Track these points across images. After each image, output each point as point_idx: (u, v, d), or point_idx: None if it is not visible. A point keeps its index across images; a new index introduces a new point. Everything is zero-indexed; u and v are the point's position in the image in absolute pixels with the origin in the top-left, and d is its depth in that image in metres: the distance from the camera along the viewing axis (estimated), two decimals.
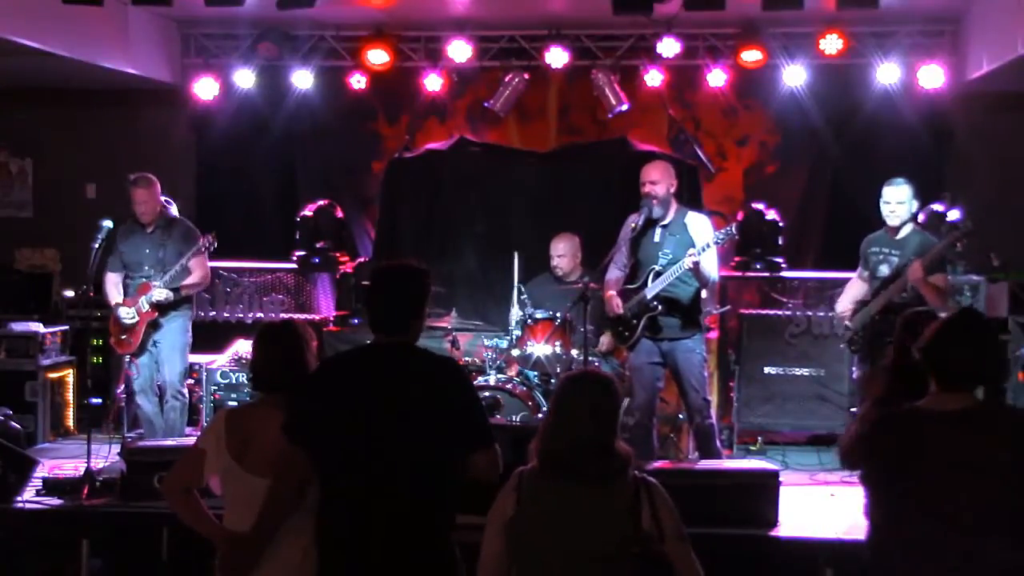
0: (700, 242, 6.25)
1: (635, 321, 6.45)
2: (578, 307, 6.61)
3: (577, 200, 8.70)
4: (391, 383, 3.47)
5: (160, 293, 6.82)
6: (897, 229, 6.32)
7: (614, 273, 6.63)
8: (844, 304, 6.59)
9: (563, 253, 7.49)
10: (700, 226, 6.44)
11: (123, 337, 6.95)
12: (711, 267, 6.33)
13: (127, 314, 6.89)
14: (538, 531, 3.31)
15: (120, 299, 6.98)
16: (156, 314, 6.88)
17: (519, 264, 7.41)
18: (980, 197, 8.14)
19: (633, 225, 6.45)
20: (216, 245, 6.93)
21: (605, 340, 7.16)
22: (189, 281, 6.96)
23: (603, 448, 3.34)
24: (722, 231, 6.27)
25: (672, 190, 6.49)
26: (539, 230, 8.05)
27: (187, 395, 7.16)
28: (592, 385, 3.44)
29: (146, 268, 6.95)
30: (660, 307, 6.34)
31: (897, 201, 6.28)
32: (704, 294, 6.65)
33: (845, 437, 3.89)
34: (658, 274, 6.36)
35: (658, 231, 6.47)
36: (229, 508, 3.68)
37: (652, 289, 6.36)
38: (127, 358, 7.01)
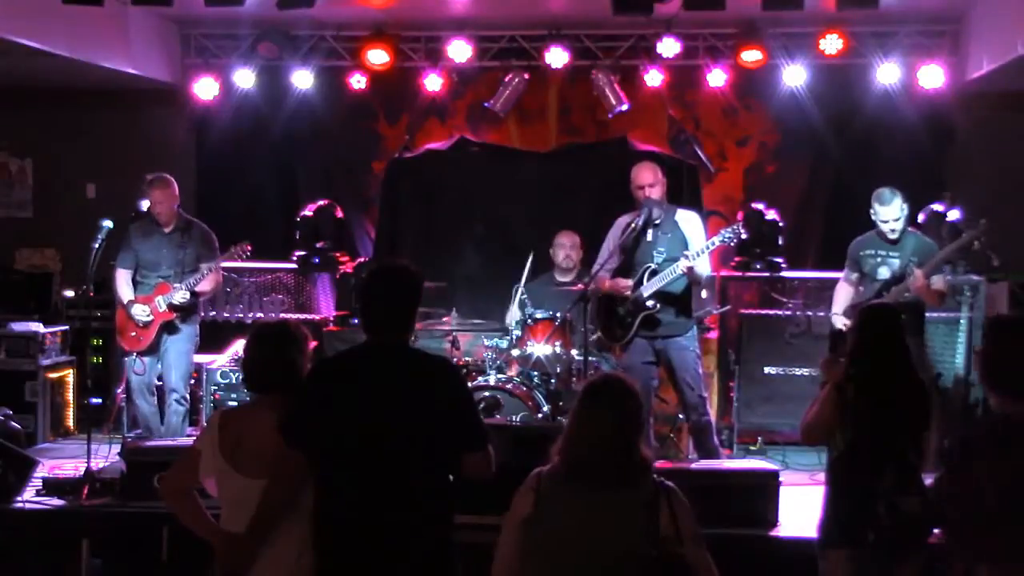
0: (693, 238, 6.31)
1: (630, 319, 6.45)
2: (578, 307, 6.61)
3: (577, 200, 8.69)
4: (386, 384, 3.48)
5: (181, 295, 6.81)
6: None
7: (602, 275, 6.60)
8: (840, 309, 6.55)
9: (573, 245, 7.53)
10: (691, 223, 6.52)
11: (133, 334, 6.92)
12: (703, 266, 6.37)
13: (142, 312, 6.86)
14: (555, 532, 3.31)
15: (132, 296, 6.93)
16: (174, 315, 6.88)
17: (531, 265, 7.38)
18: (980, 197, 8.12)
19: (633, 225, 6.45)
20: (250, 253, 6.93)
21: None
22: (204, 286, 6.96)
23: (625, 453, 3.35)
24: (729, 229, 6.27)
25: (664, 189, 6.52)
26: (539, 230, 8.02)
27: (189, 400, 7.15)
28: (614, 392, 3.45)
29: (164, 268, 6.93)
30: (658, 305, 6.36)
31: (894, 219, 6.31)
32: (704, 294, 6.66)
33: (806, 415, 4.25)
34: (654, 272, 6.37)
35: (650, 230, 6.48)
36: (225, 508, 3.68)
37: (648, 288, 6.36)
38: (133, 355, 6.97)
